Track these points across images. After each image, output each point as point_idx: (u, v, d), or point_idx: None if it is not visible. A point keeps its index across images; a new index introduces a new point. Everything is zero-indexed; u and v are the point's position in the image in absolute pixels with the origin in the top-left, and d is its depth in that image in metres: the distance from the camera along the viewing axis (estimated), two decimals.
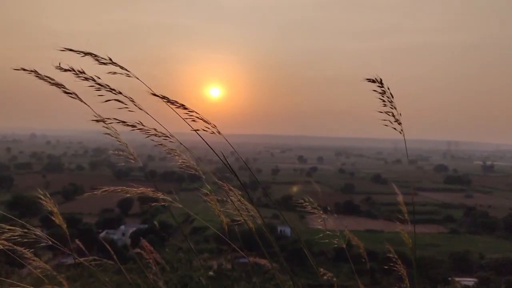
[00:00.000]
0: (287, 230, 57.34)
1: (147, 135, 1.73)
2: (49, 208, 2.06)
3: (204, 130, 1.74)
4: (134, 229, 53.34)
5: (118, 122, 1.68)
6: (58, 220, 2.06)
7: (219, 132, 1.77)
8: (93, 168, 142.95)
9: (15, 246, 1.83)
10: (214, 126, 1.76)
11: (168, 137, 1.76)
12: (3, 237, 1.79)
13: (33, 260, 1.91)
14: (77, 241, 3.16)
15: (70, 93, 1.67)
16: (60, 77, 1.66)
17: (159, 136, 1.74)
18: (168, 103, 1.69)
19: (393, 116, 1.85)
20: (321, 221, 2.25)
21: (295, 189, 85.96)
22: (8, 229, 1.80)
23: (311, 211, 2.24)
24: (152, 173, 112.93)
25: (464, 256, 46.66)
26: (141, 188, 1.82)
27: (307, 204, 2.24)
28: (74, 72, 1.64)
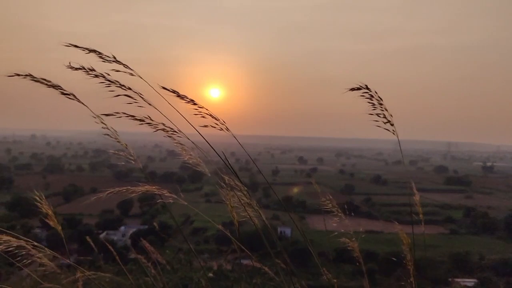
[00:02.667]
0: (287, 231, 57.30)
1: (155, 130, 1.74)
2: (44, 211, 2.06)
3: (213, 126, 1.75)
4: (134, 230, 53.32)
5: (127, 116, 1.68)
6: (53, 222, 2.05)
7: (227, 129, 1.78)
8: (93, 169, 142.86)
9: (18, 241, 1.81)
10: (223, 122, 1.77)
11: (176, 132, 1.76)
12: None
13: (39, 258, 1.90)
14: (87, 238, 3.14)
15: (68, 94, 1.66)
16: (62, 77, 1.66)
17: (167, 131, 1.75)
18: (178, 98, 1.70)
19: (385, 117, 1.85)
20: (337, 219, 2.26)
21: (296, 190, 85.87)
22: (4, 241, 1.79)
23: (330, 209, 2.24)
24: (152, 174, 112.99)
25: (464, 257, 46.59)
26: (146, 186, 1.83)
27: (328, 202, 2.25)
28: (85, 70, 1.64)
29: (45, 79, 1.65)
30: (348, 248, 2.25)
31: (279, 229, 55.79)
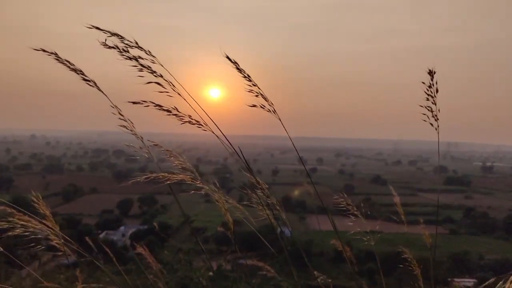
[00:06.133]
0: (287, 231, 57.26)
1: (182, 122, 1.71)
2: (42, 211, 2.03)
3: (261, 107, 1.74)
4: (134, 230, 53.26)
5: (154, 106, 1.64)
6: (51, 223, 2.04)
7: (275, 111, 1.78)
8: (92, 169, 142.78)
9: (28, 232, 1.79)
10: (271, 104, 1.76)
11: (202, 125, 1.72)
12: (15, 232, 1.77)
13: (59, 244, 1.88)
14: (87, 238, 3.14)
15: (89, 81, 1.64)
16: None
17: (193, 124, 1.72)
18: (237, 70, 1.72)
19: (431, 111, 1.80)
20: (354, 218, 2.26)
21: (296, 192, 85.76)
22: (22, 224, 1.78)
23: (352, 212, 2.23)
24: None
25: (463, 257, 46.59)
26: (181, 175, 1.80)
27: (349, 206, 2.23)
28: (119, 50, 1.60)
29: (68, 61, 1.63)
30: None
31: (279, 229, 55.86)
